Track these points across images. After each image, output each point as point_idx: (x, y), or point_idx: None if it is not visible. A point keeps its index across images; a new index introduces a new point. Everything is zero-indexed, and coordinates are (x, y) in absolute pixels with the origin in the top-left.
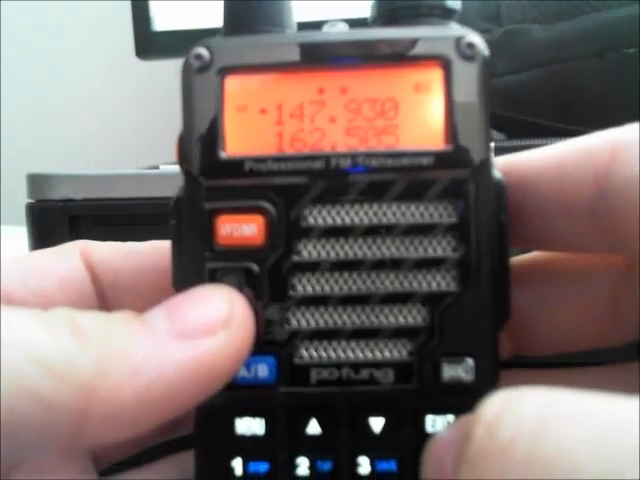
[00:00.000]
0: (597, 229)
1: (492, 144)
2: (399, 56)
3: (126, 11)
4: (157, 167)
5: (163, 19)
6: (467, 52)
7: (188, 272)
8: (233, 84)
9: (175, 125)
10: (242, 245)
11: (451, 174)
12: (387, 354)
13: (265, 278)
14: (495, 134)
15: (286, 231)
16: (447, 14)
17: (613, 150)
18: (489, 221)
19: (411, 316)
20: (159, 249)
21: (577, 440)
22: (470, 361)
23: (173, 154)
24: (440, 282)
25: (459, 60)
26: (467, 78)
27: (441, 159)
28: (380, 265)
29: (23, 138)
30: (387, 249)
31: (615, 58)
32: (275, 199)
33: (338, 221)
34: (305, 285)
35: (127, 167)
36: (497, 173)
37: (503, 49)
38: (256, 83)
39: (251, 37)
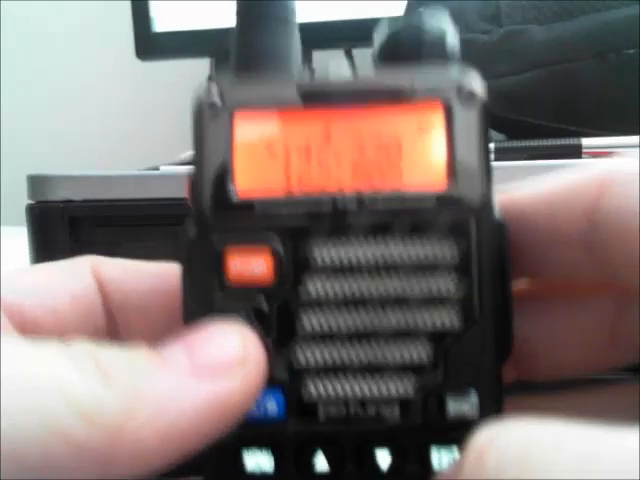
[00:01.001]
0: (591, 259)
1: (493, 175)
2: (401, 99)
3: (126, 11)
4: (157, 168)
5: (163, 20)
6: (467, 97)
7: (199, 309)
8: (243, 125)
9: (175, 126)
10: (251, 283)
11: (453, 214)
12: (393, 390)
13: (274, 315)
14: (495, 134)
15: (294, 269)
16: (448, 55)
17: (600, 185)
18: (491, 259)
19: (416, 352)
20: (169, 271)
21: (561, 469)
22: (474, 397)
23: (173, 155)
24: (444, 320)
25: (459, 104)
26: (467, 122)
27: (443, 200)
28: (386, 303)
29: (23, 138)
30: (392, 287)
31: (615, 59)
32: (284, 238)
33: (344, 260)
34: (313, 322)
35: (127, 168)
36: (497, 212)
37: (503, 50)
38: (265, 125)
39: (260, 79)
